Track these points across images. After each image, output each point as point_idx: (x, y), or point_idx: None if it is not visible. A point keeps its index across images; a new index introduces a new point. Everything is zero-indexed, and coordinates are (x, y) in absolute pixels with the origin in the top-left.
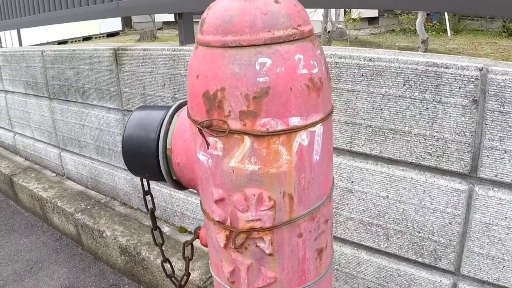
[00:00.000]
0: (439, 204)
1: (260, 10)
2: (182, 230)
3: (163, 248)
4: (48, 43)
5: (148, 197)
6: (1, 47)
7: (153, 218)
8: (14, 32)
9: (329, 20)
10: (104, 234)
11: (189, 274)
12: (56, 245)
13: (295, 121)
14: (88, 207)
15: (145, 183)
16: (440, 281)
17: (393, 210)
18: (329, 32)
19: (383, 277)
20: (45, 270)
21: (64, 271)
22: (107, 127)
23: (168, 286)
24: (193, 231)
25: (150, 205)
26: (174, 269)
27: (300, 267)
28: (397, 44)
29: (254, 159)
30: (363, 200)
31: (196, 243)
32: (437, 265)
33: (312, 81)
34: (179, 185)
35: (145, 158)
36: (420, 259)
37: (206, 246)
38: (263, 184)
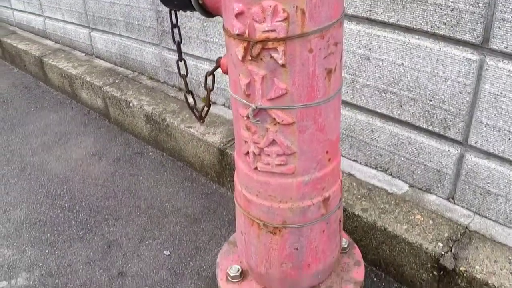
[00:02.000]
0: (451, 73)
1: None
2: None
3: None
4: None
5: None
6: None
7: (179, 49)
8: None
9: None
10: (131, 104)
11: (209, 105)
12: (84, 119)
13: None
14: (116, 81)
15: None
16: (448, 150)
17: (407, 77)
18: None
19: (395, 144)
20: (72, 140)
21: (91, 141)
22: (137, 3)
23: (190, 150)
24: (216, 102)
25: (177, 38)
26: (197, 132)
27: (309, 82)
28: None
29: None
30: (380, 67)
31: (216, 110)
32: (446, 134)
33: None
34: (204, 11)
35: None
36: (430, 128)
37: (226, 72)
38: None
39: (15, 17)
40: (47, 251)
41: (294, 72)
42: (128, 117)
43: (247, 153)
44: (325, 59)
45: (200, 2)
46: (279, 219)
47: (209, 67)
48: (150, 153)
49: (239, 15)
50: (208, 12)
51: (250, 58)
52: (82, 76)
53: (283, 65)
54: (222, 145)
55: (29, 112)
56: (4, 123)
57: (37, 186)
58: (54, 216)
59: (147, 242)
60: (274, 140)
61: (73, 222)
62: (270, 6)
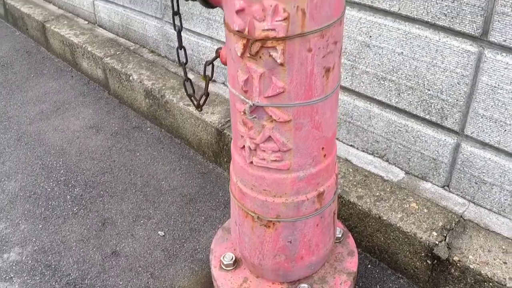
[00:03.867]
0: (449, 63)
1: None
2: None
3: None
4: None
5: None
6: None
7: (179, 37)
8: None
9: None
10: (131, 78)
11: (208, 94)
12: (84, 88)
13: None
14: (118, 52)
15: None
16: (445, 140)
17: (406, 66)
18: None
19: (392, 132)
20: (71, 111)
21: (90, 113)
22: None
23: (188, 128)
24: (216, 80)
25: (178, 23)
26: (195, 110)
27: (307, 81)
28: None
29: None
30: (379, 55)
31: (215, 89)
32: (443, 124)
33: None
34: (206, 2)
35: None
36: (427, 117)
37: (225, 64)
38: None
39: None
40: (41, 226)
41: (292, 71)
42: (128, 90)
43: (243, 147)
44: (323, 58)
45: None
46: (273, 213)
47: (210, 45)
48: (148, 128)
49: (240, 11)
50: (210, 4)
51: (249, 55)
52: (84, 46)
53: (281, 64)
54: (220, 125)
55: (29, 78)
56: (3, 88)
57: (33, 157)
58: (49, 189)
59: (141, 221)
60: (270, 136)
61: (68, 197)
62: (271, 6)
